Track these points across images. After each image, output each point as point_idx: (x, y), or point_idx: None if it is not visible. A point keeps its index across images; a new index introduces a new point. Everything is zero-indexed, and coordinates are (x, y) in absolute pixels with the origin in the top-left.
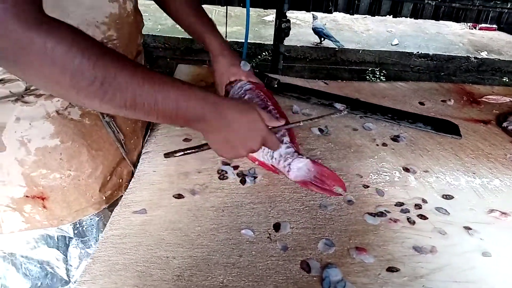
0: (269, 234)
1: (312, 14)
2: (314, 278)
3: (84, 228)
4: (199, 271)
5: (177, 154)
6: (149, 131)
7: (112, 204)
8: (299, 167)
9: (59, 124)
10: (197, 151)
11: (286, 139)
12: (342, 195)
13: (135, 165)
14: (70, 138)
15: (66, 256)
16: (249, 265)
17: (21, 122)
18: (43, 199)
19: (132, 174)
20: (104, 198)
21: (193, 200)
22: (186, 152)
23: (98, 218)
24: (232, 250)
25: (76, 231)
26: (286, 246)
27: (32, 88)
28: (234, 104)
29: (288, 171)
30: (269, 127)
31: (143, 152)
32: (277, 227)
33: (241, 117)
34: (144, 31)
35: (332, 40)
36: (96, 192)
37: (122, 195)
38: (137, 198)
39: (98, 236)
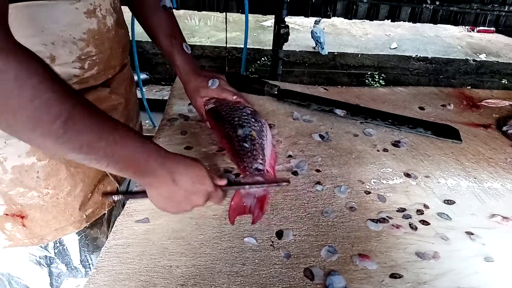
0: (272, 242)
1: (315, 20)
2: (318, 286)
3: (65, 247)
4: (203, 280)
5: (114, 197)
6: None
7: (93, 223)
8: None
9: None
10: (134, 198)
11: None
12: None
13: (120, 182)
14: (47, 155)
15: (49, 275)
16: (252, 273)
17: None
18: (22, 217)
19: (117, 191)
20: (84, 216)
21: (195, 209)
22: (122, 197)
23: (79, 237)
24: (235, 258)
25: (56, 250)
26: (289, 253)
27: None
28: (181, 160)
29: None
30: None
31: None
32: (279, 234)
33: (187, 172)
34: (143, 38)
35: (318, 46)
36: (76, 210)
37: (105, 213)
38: (139, 207)
39: (81, 255)
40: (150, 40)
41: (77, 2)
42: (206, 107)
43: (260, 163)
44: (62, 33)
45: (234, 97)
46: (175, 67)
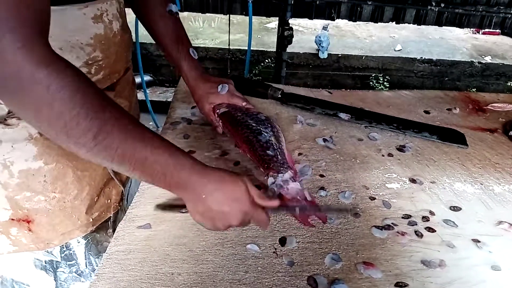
0: (275, 249)
1: (323, 26)
2: None
3: (71, 252)
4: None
5: (167, 210)
6: None
7: (99, 226)
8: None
9: (42, 145)
10: (180, 212)
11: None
12: (314, 226)
13: (124, 184)
14: (54, 159)
15: (55, 280)
16: (255, 282)
17: (3, 145)
18: (28, 222)
19: (121, 194)
20: (91, 220)
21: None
22: (175, 211)
23: (85, 241)
24: (237, 266)
25: (63, 255)
26: (293, 261)
27: None
28: (219, 175)
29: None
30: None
31: None
32: (283, 241)
33: (221, 188)
34: (146, 40)
35: (319, 49)
36: (83, 214)
37: (110, 217)
38: (141, 212)
39: (87, 259)
40: (154, 42)
41: (84, 8)
42: (217, 111)
43: (286, 168)
44: (70, 38)
45: (244, 103)
46: (181, 72)
